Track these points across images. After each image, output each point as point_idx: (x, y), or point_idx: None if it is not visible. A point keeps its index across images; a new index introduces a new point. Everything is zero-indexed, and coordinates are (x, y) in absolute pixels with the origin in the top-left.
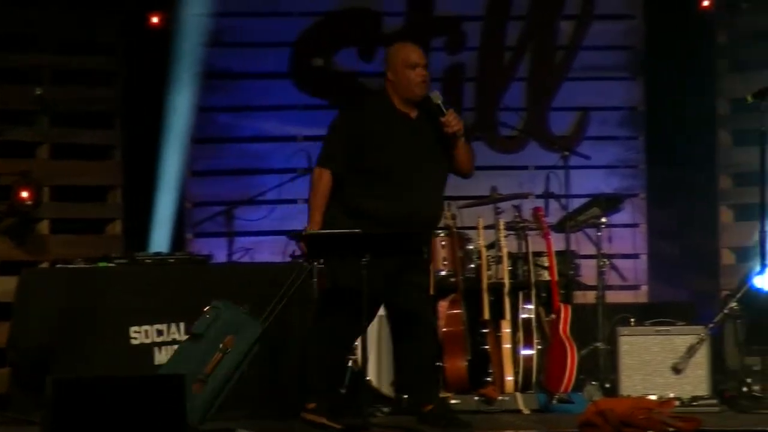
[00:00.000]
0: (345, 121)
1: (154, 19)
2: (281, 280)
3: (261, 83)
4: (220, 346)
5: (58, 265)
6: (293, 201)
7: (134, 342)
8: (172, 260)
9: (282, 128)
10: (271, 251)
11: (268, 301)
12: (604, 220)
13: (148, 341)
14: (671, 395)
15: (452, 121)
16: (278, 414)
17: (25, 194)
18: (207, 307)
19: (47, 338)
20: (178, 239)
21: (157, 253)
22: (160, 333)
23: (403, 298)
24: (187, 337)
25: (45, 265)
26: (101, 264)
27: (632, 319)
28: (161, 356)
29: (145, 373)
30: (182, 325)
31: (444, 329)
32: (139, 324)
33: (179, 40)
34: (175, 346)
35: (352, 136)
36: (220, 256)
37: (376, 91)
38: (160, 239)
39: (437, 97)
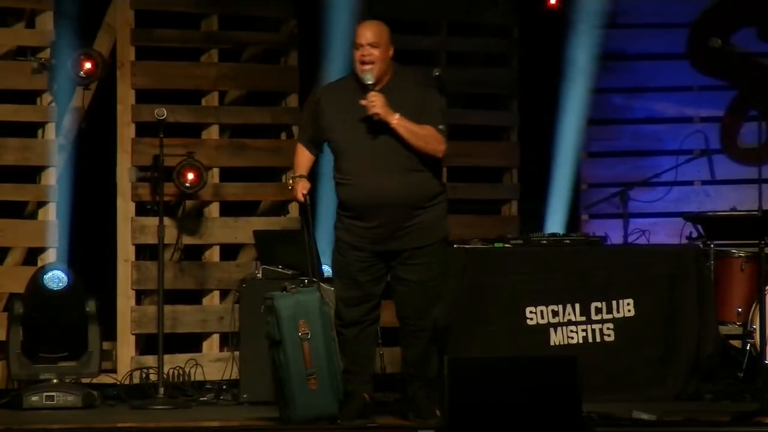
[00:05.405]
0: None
1: (552, 1)
2: (675, 262)
3: (655, 64)
4: (299, 335)
5: (455, 245)
6: (689, 183)
7: (530, 323)
8: (567, 241)
9: (678, 109)
10: (666, 233)
11: (661, 282)
12: None
13: (543, 322)
14: None
15: (369, 104)
16: (673, 395)
17: None
18: (262, 311)
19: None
20: (573, 220)
21: (553, 234)
22: (555, 314)
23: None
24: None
25: None
26: (497, 245)
27: None
28: (557, 337)
29: (541, 354)
30: (577, 307)
31: None
32: (535, 305)
33: (575, 22)
34: (572, 327)
35: (313, 116)
36: (615, 238)
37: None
38: (555, 220)
39: (369, 78)
